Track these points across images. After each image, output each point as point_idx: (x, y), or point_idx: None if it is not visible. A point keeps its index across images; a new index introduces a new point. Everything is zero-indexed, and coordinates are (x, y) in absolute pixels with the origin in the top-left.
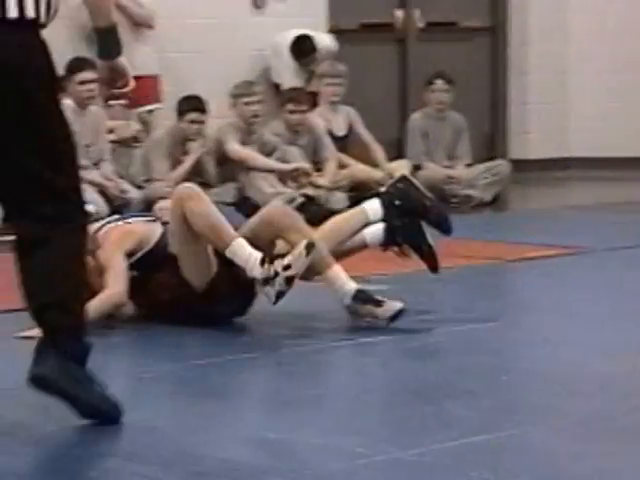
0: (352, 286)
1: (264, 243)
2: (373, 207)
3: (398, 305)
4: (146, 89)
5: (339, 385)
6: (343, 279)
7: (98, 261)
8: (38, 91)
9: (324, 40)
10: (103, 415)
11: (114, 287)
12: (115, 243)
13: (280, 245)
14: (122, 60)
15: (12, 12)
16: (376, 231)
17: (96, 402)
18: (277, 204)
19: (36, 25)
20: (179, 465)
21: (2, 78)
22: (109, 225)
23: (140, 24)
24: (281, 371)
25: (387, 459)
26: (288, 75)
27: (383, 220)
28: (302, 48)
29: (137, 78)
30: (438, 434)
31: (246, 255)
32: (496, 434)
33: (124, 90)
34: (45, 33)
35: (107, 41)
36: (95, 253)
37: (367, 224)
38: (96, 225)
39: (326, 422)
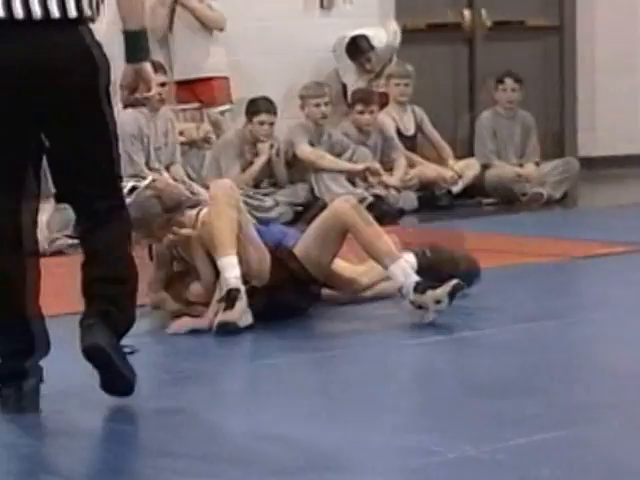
0: (412, 279)
1: (334, 237)
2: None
3: (453, 281)
4: (217, 90)
5: (411, 384)
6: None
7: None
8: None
9: (383, 38)
10: (127, 393)
11: None
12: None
13: None
14: (147, 65)
15: (72, 12)
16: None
17: (130, 379)
18: (346, 198)
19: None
20: (252, 465)
21: (60, 76)
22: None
23: (211, 27)
24: (352, 371)
25: (461, 456)
26: (351, 75)
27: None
28: (358, 47)
29: (208, 80)
30: (510, 431)
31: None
32: (568, 431)
33: (147, 95)
34: (113, 35)
35: (136, 45)
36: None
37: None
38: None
39: (400, 420)
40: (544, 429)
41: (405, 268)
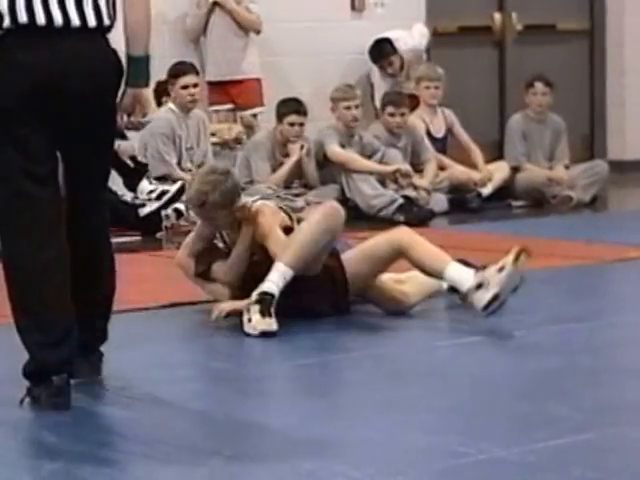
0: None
1: (385, 262)
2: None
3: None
4: (251, 92)
5: (440, 384)
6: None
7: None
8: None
9: (409, 41)
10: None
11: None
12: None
13: None
14: (145, 91)
15: (92, 21)
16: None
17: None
18: (403, 229)
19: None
20: (284, 463)
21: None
22: (260, 202)
23: (248, 29)
24: (382, 371)
25: (490, 458)
26: (376, 78)
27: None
28: (381, 51)
29: (242, 81)
30: (540, 433)
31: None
32: (598, 433)
33: (142, 120)
34: (152, 37)
35: (137, 70)
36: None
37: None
38: (249, 199)
39: (429, 422)
40: (573, 431)
41: (462, 270)
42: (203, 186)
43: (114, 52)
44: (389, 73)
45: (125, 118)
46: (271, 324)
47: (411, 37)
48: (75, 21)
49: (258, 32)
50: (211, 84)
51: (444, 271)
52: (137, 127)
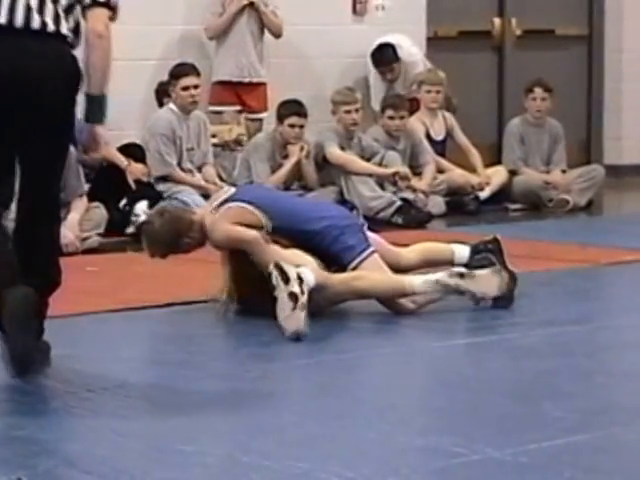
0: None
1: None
2: (461, 253)
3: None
4: (262, 96)
5: (435, 386)
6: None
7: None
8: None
9: (411, 48)
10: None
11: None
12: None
13: None
14: (99, 128)
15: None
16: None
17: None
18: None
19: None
20: (280, 463)
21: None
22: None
23: (274, 32)
24: (378, 372)
25: (484, 458)
26: (375, 81)
27: (465, 265)
28: (383, 56)
29: (257, 85)
30: (534, 434)
31: None
32: (591, 435)
33: (95, 156)
34: (154, 38)
35: (92, 108)
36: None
37: (450, 263)
38: (215, 203)
39: (423, 422)
40: (567, 432)
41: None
42: (146, 242)
43: (72, 57)
44: (388, 79)
45: (82, 153)
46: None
47: (410, 42)
48: (35, 24)
49: (279, 36)
50: (221, 84)
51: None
52: (92, 165)
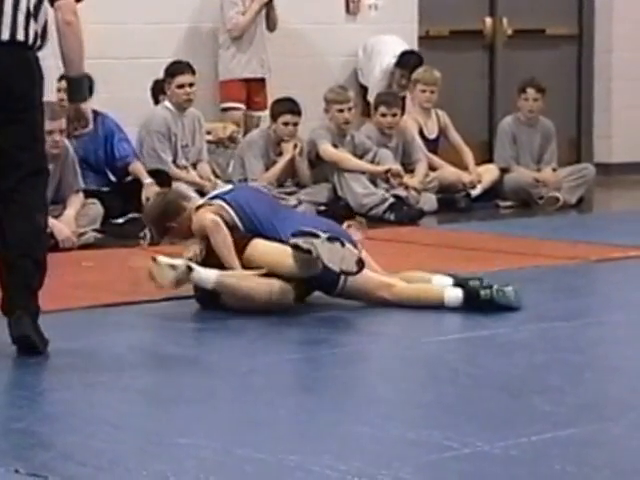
0: None
1: None
2: (452, 295)
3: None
4: (264, 93)
5: (426, 380)
6: None
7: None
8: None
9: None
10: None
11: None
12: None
13: None
14: (83, 106)
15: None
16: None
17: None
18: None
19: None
20: (272, 456)
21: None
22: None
23: (274, 28)
24: (369, 366)
25: (474, 452)
26: (376, 78)
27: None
28: (411, 61)
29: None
30: (523, 428)
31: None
32: (580, 429)
33: (84, 131)
34: (148, 37)
35: (74, 89)
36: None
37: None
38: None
39: (414, 416)
40: (556, 427)
41: None
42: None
43: (37, 63)
44: (400, 85)
45: (71, 128)
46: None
47: (401, 42)
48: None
49: (274, 30)
50: (234, 81)
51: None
52: (81, 136)
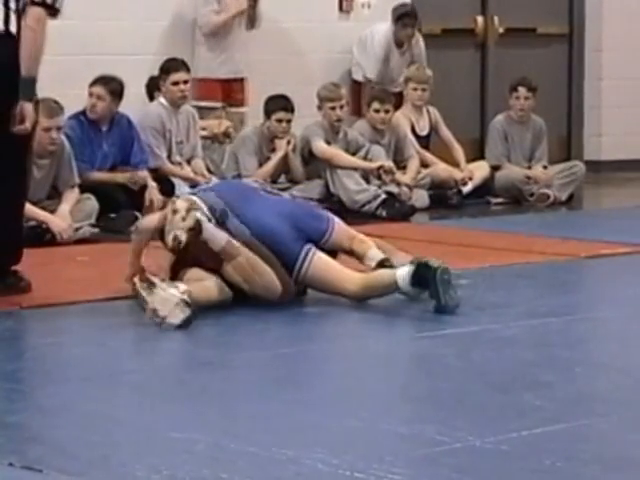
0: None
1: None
2: (403, 276)
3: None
4: (245, 91)
5: (417, 375)
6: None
7: None
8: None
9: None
10: None
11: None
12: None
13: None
14: (25, 105)
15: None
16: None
17: None
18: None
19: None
20: (265, 450)
21: None
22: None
23: (258, 24)
24: (363, 361)
25: (465, 446)
26: (372, 67)
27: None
28: (405, 11)
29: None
30: (514, 423)
31: None
32: (570, 424)
33: (19, 130)
34: (144, 34)
35: (22, 87)
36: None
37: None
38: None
39: (407, 411)
40: (546, 422)
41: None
42: None
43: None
44: (408, 35)
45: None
46: None
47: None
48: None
49: (251, 29)
50: (209, 80)
51: None
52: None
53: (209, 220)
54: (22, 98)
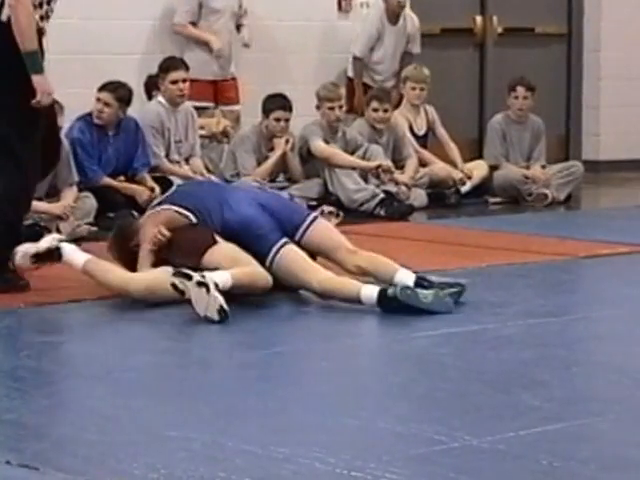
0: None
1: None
2: (370, 296)
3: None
4: (237, 89)
5: (415, 375)
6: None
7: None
8: None
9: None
10: None
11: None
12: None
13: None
14: (37, 77)
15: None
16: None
17: None
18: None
19: None
20: (261, 448)
21: None
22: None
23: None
24: (360, 360)
25: (463, 446)
26: (360, 44)
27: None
28: None
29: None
30: (511, 423)
31: None
32: (567, 424)
33: (34, 104)
34: (134, 34)
35: (27, 63)
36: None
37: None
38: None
39: (404, 410)
40: (544, 421)
41: None
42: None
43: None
44: (392, 21)
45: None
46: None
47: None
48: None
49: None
50: (199, 81)
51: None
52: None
53: (191, 218)
54: (30, 73)
